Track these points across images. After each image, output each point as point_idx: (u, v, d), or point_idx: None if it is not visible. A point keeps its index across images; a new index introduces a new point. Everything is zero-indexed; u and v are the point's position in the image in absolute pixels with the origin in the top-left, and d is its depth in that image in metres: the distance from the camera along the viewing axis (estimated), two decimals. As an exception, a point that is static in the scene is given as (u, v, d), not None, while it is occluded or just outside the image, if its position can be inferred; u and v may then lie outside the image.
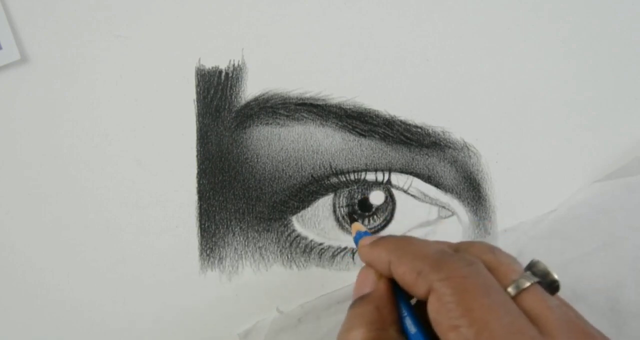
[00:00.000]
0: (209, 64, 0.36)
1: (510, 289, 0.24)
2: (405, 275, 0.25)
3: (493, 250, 0.26)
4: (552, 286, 0.25)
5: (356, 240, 0.31)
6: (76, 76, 0.36)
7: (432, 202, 0.37)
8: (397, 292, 0.26)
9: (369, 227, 0.37)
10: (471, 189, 0.37)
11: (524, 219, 0.37)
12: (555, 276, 0.25)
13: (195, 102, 0.36)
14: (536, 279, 0.24)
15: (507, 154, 0.37)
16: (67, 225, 0.36)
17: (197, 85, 0.36)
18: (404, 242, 0.27)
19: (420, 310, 0.25)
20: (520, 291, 0.24)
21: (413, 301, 0.26)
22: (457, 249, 0.26)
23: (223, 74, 0.36)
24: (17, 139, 0.36)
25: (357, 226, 0.32)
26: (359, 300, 0.26)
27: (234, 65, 0.36)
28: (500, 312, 0.22)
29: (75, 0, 0.36)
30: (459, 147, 0.37)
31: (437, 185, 0.37)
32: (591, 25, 0.38)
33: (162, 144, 0.37)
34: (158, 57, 0.37)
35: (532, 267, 0.25)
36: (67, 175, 0.36)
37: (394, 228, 0.37)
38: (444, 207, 0.37)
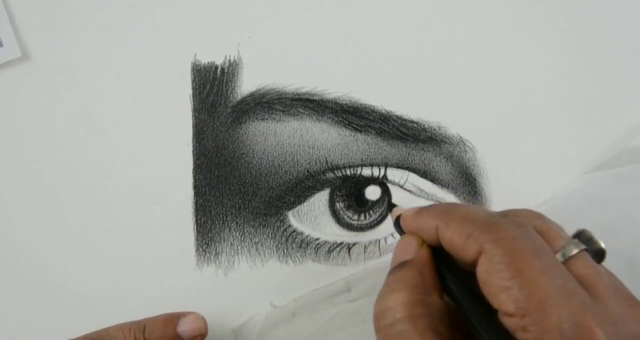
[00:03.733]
0: (204, 60, 0.37)
1: (558, 255, 0.24)
2: (454, 238, 0.25)
3: (541, 216, 0.26)
4: (598, 254, 0.25)
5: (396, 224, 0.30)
6: (74, 73, 0.37)
7: (428, 197, 0.37)
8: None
9: (365, 222, 0.37)
10: (467, 184, 0.37)
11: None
12: (602, 245, 0.25)
13: (191, 98, 0.37)
14: (584, 246, 0.24)
15: (503, 148, 0.37)
16: (63, 221, 0.36)
17: (193, 81, 0.37)
18: (452, 207, 0.27)
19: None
20: (569, 258, 0.24)
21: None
22: (505, 215, 0.26)
23: (219, 69, 0.37)
24: (17, 136, 0.36)
25: (399, 210, 0.31)
26: (401, 265, 0.26)
27: (229, 60, 0.37)
28: (551, 274, 0.22)
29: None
30: (454, 142, 0.37)
31: (433, 180, 0.37)
32: (584, 19, 0.38)
33: (158, 139, 0.37)
34: (154, 52, 0.37)
35: (579, 235, 0.25)
36: (64, 171, 0.37)
37: (390, 224, 0.37)
38: (440, 202, 0.37)
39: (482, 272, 0.23)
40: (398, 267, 0.27)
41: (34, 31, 0.36)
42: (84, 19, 0.36)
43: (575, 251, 0.24)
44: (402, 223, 0.29)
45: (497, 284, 0.23)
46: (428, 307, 0.24)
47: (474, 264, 0.24)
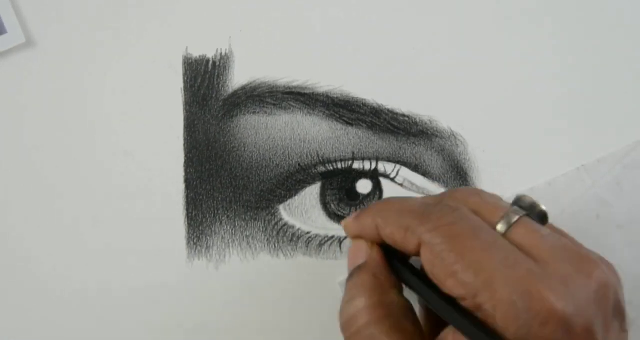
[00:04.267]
0: (196, 53, 0.37)
1: (500, 226, 0.24)
2: (393, 234, 0.25)
3: (478, 192, 0.26)
4: (541, 217, 0.25)
5: None
6: (70, 63, 0.37)
7: (420, 191, 0.37)
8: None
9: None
10: (458, 178, 0.37)
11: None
12: (543, 207, 0.25)
13: (183, 91, 0.37)
14: (524, 212, 0.24)
15: (494, 142, 0.37)
16: (53, 214, 0.36)
17: (185, 74, 0.37)
18: (387, 204, 0.27)
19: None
20: (510, 226, 0.24)
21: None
22: (442, 197, 0.26)
23: (210, 62, 0.37)
24: (19, 124, 0.36)
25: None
26: (356, 271, 0.27)
27: (221, 53, 0.37)
28: (492, 250, 0.22)
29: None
30: (446, 135, 0.37)
31: (425, 174, 0.37)
32: (578, 17, 0.38)
33: (149, 133, 0.37)
34: (145, 45, 0.37)
35: (518, 202, 0.25)
36: (57, 164, 0.37)
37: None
38: (430, 195, 0.37)
39: (426, 262, 0.24)
40: (353, 272, 0.27)
41: (38, 17, 0.37)
42: (85, 7, 0.37)
43: (515, 218, 0.24)
44: (345, 230, 0.29)
45: (443, 271, 0.23)
46: (389, 306, 0.25)
47: (419, 256, 0.24)
